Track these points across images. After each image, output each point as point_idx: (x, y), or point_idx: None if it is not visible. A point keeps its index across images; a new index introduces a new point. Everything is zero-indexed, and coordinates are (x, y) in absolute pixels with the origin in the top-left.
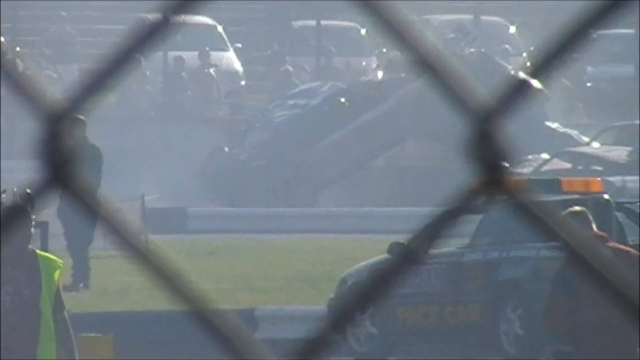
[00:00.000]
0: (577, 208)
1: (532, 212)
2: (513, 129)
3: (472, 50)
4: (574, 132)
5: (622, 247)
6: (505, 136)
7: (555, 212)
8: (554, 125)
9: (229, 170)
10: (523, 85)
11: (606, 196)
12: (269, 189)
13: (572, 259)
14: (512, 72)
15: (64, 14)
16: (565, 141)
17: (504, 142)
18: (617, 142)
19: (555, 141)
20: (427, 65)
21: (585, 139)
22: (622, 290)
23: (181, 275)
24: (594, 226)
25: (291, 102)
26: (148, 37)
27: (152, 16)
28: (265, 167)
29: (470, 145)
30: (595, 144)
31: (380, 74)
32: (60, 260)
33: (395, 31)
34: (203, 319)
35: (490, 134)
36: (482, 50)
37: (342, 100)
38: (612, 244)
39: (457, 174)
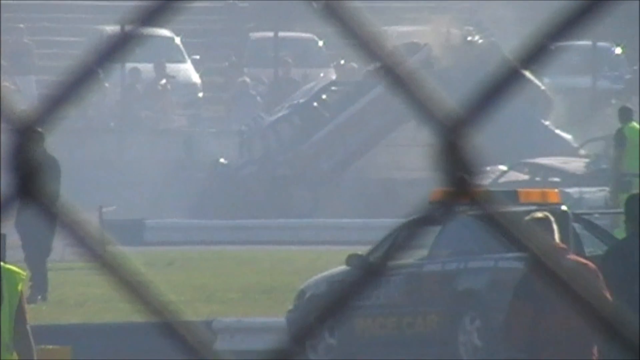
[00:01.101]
0: (539, 214)
1: (493, 222)
2: (513, 127)
3: (477, 37)
4: (568, 137)
5: (581, 259)
6: (470, 148)
7: (517, 221)
8: (547, 123)
9: (227, 183)
10: (525, 82)
11: (564, 207)
12: (265, 193)
13: (533, 268)
14: (518, 69)
15: (21, 25)
16: (561, 144)
17: (468, 154)
18: (606, 152)
19: (552, 143)
20: (394, 76)
21: (575, 146)
22: (582, 302)
23: (142, 287)
24: (556, 234)
25: (286, 105)
26: (107, 50)
27: (110, 28)
28: (258, 172)
29: (436, 156)
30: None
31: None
32: (23, 273)
33: (363, 41)
34: (163, 330)
35: (455, 146)
36: (493, 39)
37: (324, 97)
38: (572, 256)
39: (422, 185)
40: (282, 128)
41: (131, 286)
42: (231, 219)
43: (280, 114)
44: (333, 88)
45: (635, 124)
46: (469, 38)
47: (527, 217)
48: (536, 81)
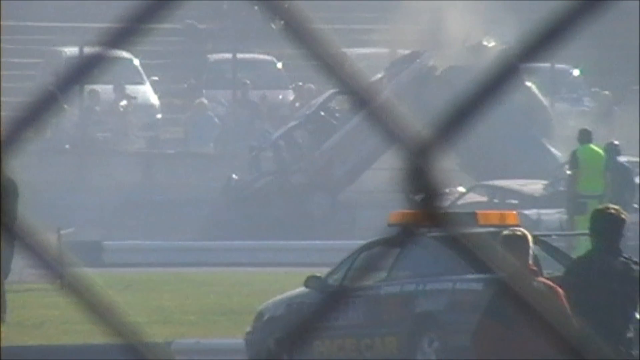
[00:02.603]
0: (518, 231)
1: (460, 244)
2: (509, 141)
3: (494, 44)
4: (558, 154)
5: (550, 283)
6: (435, 170)
7: (487, 244)
8: (542, 140)
9: (240, 197)
10: (528, 94)
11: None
12: (282, 202)
13: (504, 289)
14: (525, 82)
15: None
16: (551, 161)
17: (432, 177)
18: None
19: (543, 159)
20: (362, 99)
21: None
22: (551, 324)
23: (103, 308)
24: (531, 252)
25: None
26: (66, 72)
27: (69, 50)
28: (273, 182)
29: (400, 178)
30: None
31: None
32: None
33: (330, 65)
34: (122, 351)
35: (421, 169)
36: (504, 47)
37: (330, 105)
38: (541, 278)
39: (381, 207)
40: (292, 138)
41: (91, 307)
42: (241, 235)
43: (289, 125)
44: (338, 97)
45: (591, 146)
46: (485, 42)
47: (506, 232)
48: (540, 96)
